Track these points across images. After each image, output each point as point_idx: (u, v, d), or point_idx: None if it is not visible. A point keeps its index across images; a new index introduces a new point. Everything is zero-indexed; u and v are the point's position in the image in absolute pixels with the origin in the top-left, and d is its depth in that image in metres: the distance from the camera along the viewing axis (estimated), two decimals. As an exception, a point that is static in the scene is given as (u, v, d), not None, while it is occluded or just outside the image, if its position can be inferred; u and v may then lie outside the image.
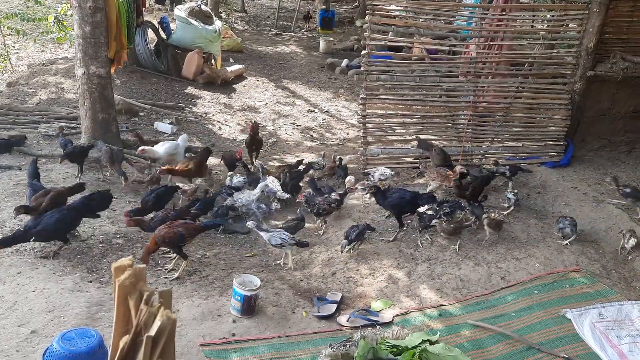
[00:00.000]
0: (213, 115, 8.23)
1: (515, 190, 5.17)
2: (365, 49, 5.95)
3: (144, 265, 1.71)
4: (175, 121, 7.47)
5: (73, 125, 6.54)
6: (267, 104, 9.11)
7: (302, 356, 3.16)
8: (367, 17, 5.73)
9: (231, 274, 3.98)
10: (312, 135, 8.07)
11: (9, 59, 8.89)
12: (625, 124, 6.89)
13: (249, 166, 6.00)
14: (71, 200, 4.32)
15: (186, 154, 5.96)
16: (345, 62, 11.55)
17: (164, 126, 7.21)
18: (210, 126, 7.81)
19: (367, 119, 6.05)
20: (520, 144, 6.48)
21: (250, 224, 4.28)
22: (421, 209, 4.61)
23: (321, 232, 4.87)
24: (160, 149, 5.66)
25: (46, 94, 7.54)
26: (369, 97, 6.00)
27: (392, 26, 5.94)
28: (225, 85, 9.44)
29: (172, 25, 9.70)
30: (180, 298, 3.57)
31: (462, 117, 6.26)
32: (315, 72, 11.29)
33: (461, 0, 9.82)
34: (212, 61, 9.78)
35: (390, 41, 6.92)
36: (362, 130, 6.13)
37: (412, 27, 6.07)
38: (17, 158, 5.49)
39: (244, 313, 3.44)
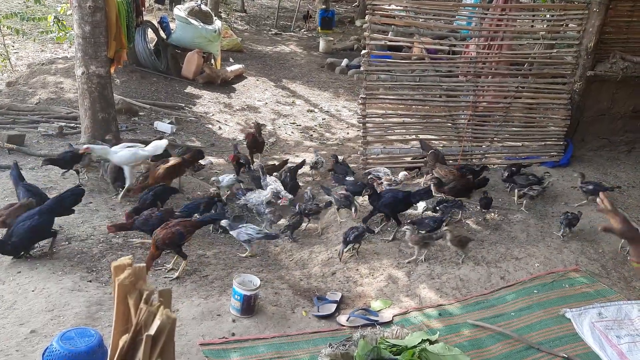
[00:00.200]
0: (213, 114, 8.23)
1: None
2: (365, 49, 5.95)
3: (144, 265, 1.71)
4: (175, 121, 7.47)
5: (73, 124, 6.54)
6: (267, 103, 9.11)
7: (302, 356, 3.16)
8: (366, 17, 5.73)
9: (231, 273, 3.98)
10: (312, 135, 8.07)
11: (9, 59, 8.89)
12: (625, 123, 6.90)
13: (251, 166, 5.99)
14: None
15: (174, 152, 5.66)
16: (345, 61, 11.55)
17: (163, 126, 7.21)
18: (210, 126, 7.81)
19: (366, 119, 6.05)
20: (520, 144, 6.48)
21: (223, 222, 4.33)
22: (419, 208, 4.62)
23: (319, 231, 4.87)
24: (115, 156, 4.91)
25: (46, 93, 7.54)
26: (369, 97, 6.00)
27: (392, 26, 5.94)
28: (225, 85, 9.44)
29: (172, 25, 9.70)
30: (180, 297, 3.57)
31: (462, 116, 6.26)
32: (315, 72, 11.30)
33: (461, 0, 9.82)
34: (212, 61, 9.78)
35: (390, 41, 6.92)
36: (361, 130, 6.13)
37: (412, 26, 6.07)
38: (17, 158, 5.48)
39: (244, 313, 3.44)
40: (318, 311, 3.61)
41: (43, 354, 2.29)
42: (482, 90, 6.35)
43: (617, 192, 5.74)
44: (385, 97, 6.33)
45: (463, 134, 6.17)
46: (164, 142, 5.27)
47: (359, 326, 3.41)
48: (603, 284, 4.12)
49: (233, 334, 3.27)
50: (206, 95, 8.90)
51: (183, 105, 8.21)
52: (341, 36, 14.22)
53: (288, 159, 6.16)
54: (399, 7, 6.28)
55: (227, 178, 5.32)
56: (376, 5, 5.73)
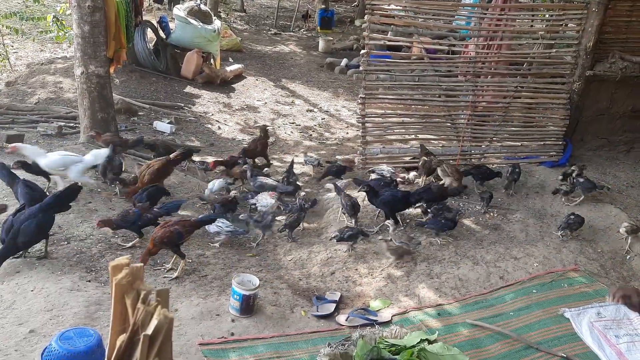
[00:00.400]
0: (212, 114, 8.23)
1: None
2: (364, 49, 5.95)
3: (142, 264, 1.71)
4: (175, 121, 7.47)
5: (72, 124, 6.54)
6: (266, 103, 9.11)
7: (301, 355, 3.16)
8: (366, 17, 5.73)
9: (230, 273, 3.98)
10: (311, 135, 8.07)
11: (8, 59, 8.88)
12: (624, 123, 6.90)
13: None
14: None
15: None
16: (344, 61, 11.55)
17: (163, 125, 7.21)
18: (209, 125, 7.81)
19: (366, 119, 6.05)
20: (519, 144, 6.49)
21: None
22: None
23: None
24: (42, 159, 4.60)
25: (45, 93, 7.53)
26: (368, 97, 6.00)
27: (391, 26, 5.95)
28: (224, 84, 9.44)
29: (171, 25, 9.70)
30: (179, 297, 3.57)
31: (461, 116, 6.27)
32: (315, 72, 11.30)
33: (460, 0, 9.83)
34: (212, 61, 9.78)
35: (389, 41, 6.92)
36: (361, 130, 6.13)
37: (411, 26, 6.08)
38: (15, 158, 5.47)
39: (243, 312, 3.44)
40: (317, 311, 3.61)
41: (42, 353, 2.29)
42: (481, 90, 6.35)
43: (616, 192, 5.74)
44: (385, 96, 6.34)
45: (462, 133, 6.18)
46: (104, 152, 5.04)
47: (358, 326, 3.42)
48: (602, 284, 4.12)
49: (232, 334, 3.28)
50: (205, 95, 8.90)
51: (182, 105, 8.21)
52: (340, 36, 14.22)
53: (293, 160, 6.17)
54: (398, 7, 6.29)
55: (217, 182, 5.23)
56: (375, 4, 5.73)
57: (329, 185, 5.64)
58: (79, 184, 4.53)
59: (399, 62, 6.43)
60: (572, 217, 4.69)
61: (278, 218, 4.81)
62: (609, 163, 6.54)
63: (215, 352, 3.09)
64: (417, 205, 4.90)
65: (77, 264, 3.85)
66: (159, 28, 9.40)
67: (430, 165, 5.48)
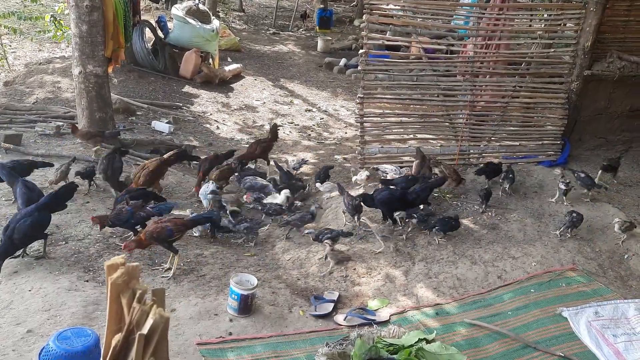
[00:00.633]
0: (211, 114, 8.22)
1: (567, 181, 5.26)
2: (362, 48, 5.95)
3: (137, 264, 1.71)
4: (173, 120, 7.46)
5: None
6: (265, 103, 9.11)
7: (299, 355, 3.16)
8: (364, 17, 5.73)
9: (228, 273, 3.97)
10: (309, 135, 8.07)
11: (6, 58, 8.86)
12: (622, 123, 6.91)
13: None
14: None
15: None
16: (343, 61, 11.54)
17: (161, 125, 7.20)
18: (207, 125, 7.80)
19: (364, 118, 6.05)
20: (517, 143, 6.48)
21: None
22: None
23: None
24: None
25: (43, 93, 7.52)
26: (367, 97, 6.00)
27: (390, 25, 5.94)
28: (223, 84, 9.43)
29: (170, 24, 9.69)
30: (177, 297, 3.57)
31: (460, 116, 6.27)
32: (313, 72, 11.29)
33: (458, -1, 9.82)
34: (210, 60, 9.76)
35: (387, 40, 6.92)
36: (359, 130, 6.13)
37: (410, 26, 6.07)
38: (14, 158, 5.47)
39: (241, 312, 3.44)
40: (315, 310, 3.61)
41: (39, 353, 2.29)
42: (479, 90, 6.35)
43: (615, 191, 5.75)
44: (383, 96, 6.33)
45: (460, 133, 6.18)
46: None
47: (356, 325, 3.42)
48: (600, 283, 4.13)
49: (230, 334, 3.28)
50: (204, 94, 8.89)
51: (181, 104, 8.20)
52: (339, 36, 14.21)
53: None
54: (396, 7, 6.28)
55: (209, 186, 5.09)
56: (374, 4, 5.72)
57: (325, 186, 5.62)
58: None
59: (398, 61, 6.42)
60: (574, 214, 4.68)
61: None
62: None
63: (213, 351, 3.09)
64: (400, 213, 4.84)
65: (75, 263, 3.85)
66: (157, 27, 9.38)
67: (421, 168, 5.46)
